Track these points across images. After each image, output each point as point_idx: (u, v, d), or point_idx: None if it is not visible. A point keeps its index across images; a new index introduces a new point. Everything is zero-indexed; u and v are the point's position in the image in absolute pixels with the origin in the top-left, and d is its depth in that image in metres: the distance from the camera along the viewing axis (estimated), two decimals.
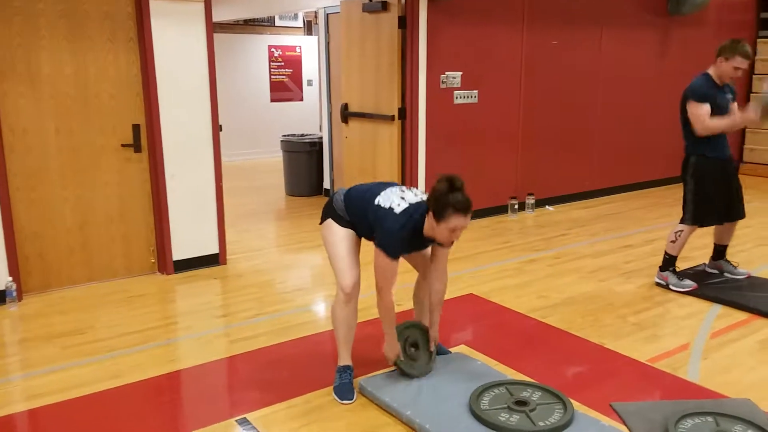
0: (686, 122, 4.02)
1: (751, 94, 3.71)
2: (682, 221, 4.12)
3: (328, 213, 2.87)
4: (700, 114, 3.88)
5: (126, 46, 4.25)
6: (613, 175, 7.24)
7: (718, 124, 3.89)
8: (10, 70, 3.91)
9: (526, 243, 5.37)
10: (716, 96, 3.91)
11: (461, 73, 5.78)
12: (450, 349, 3.25)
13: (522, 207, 6.41)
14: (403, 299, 3.46)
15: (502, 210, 6.30)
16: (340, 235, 2.81)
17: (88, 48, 4.13)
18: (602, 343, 3.40)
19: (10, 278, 3.96)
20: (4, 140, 3.94)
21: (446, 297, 4.05)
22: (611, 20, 6.76)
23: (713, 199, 4.02)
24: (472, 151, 6.00)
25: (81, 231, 4.30)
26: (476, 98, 5.94)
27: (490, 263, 4.82)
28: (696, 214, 4.05)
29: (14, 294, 3.96)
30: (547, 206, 6.63)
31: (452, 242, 2.68)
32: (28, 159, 4.06)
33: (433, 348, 3.01)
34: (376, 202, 2.71)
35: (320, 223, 2.90)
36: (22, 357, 3.34)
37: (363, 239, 2.87)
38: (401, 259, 2.76)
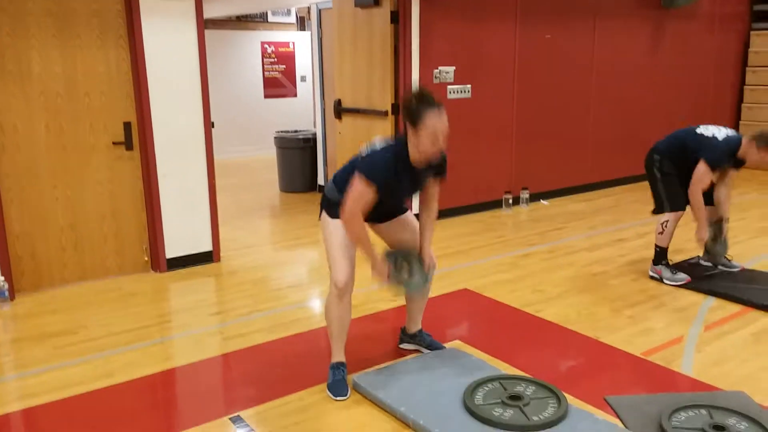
0: (685, 150, 4.05)
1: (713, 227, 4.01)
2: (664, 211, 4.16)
3: (323, 205, 2.87)
4: (704, 180, 3.92)
5: (116, 44, 4.22)
6: (608, 168, 7.24)
7: (696, 208, 3.96)
8: (1, 70, 3.88)
9: (520, 237, 5.37)
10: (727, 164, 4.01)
11: (454, 67, 5.76)
12: (444, 344, 3.24)
13: (517, 201, 6.41)
14: (382, 299, 3.43)
15: (496, 204, 6.30)
16: (336, 228, 2.79)
17: (77, 46, 4.10)
18: (597, 337, 3.40)
19: (2, 278, 3.94)
20: None
21: (441, 292, 4.07)
22: (604, 13, 6.75)
23: (681, 182, 4.08)
24: (466, 145, 5.98)
25: (73, 230, 4.28)
26: (470, 93, 5.93)
27: (485, 258, 4.82)
28: (671, 201, 4.12)
29: (6, 294, 3.94)
30: (541, 200, 6.63)
31: (439, 152, 2.64)
32: (19, 158, 4.03)
33: (428, 266, 2.91)
34: (359, 157, 2.74)
35: (319, 218, 2.89)
36: (14, 357, 3.32)
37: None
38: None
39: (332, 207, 2.79)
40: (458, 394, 2.70)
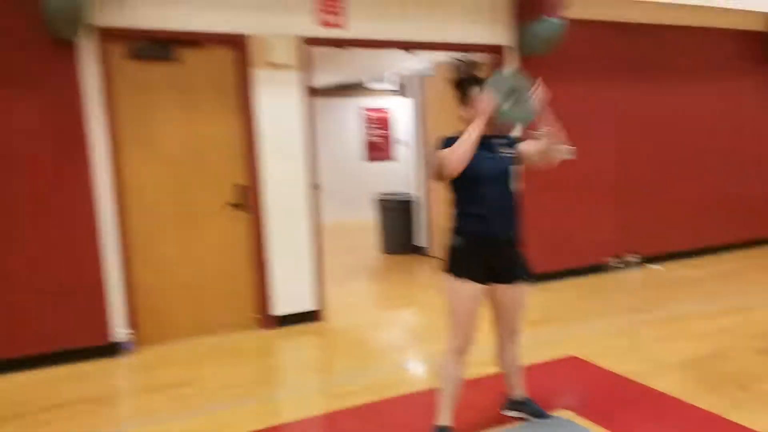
0: None
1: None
2: None
3: (447, 258, 2.84)
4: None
5: (231, 113, 4.55)
6: (725, 232, 6.81)
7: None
8: (131, 138, 4.29)
9: (629, 303, 5.12)
10: None
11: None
12: (551, 414, 3.11)
13: (624, 265, 6.14)
14: (483, 363, 3.34)
15: (602, 269, 6.07)
16: (465, 294, 2.77)
17: (198, 116, 4.46)
18: (719, 413, 3.14)
19: (128, 330, 4.22)
20: (126, 202, 4.29)
21: (546, 359, 3.93)
22: (708, 69, 6.53)
23: None
24: (565, 207, 5.86)
25: (190, 287, 4.54)
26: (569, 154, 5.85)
27: (592, 324, 4.62)
28: None
29: (130, 346, 4.21)
30: (652, 265, 6.31)
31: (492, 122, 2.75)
32: (145, 219, 4.38)
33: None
34: None
35: (443, 274, 2.86)
36: (133, 406, 3.53)
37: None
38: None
39: (453, 257, 2.81)
40: None
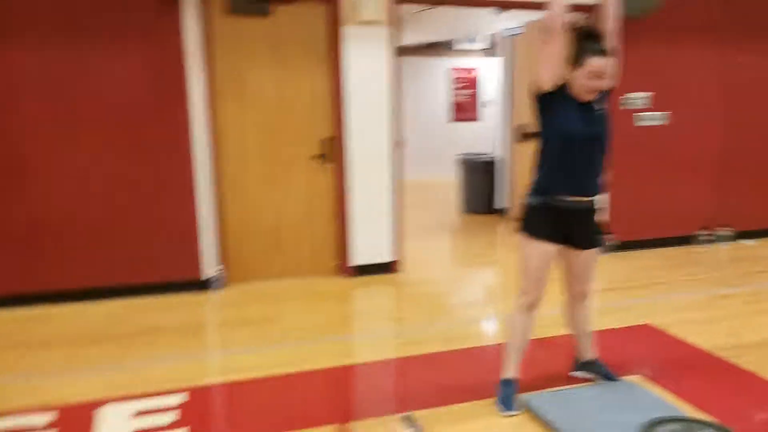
0: None
1: None
2: None
3: (523, 217, 2.86)
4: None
5: (320, 68, 4.67)
6: None
7: None
8: (225, 90, 4.50)
9: (717, 276, 4.92)
10: None
11: (647, 93, 5.49)
12: (620, 377, 3.10)
13: (715, 239, 5.88)
14: (553, 324, 3.35)
15: (688, 240, 5.84)
16: (538, 253, 2.79)
17: (288, 69, 4.61)
18: None
19: (217, 268, 4.53)
20: (218, 150, 4.53)
21: (619, 325, 3.88)
22: None
23: None
24: (655, 176, 5.64)
25: (275, 231, 4.78)
26: (664, 120, 5.60)
27: (672, 294, 4.50)
28: None
29: (218, 283, 4.52)
30: (745, 240, 6.00)
31: (595, 92, 2.64)
32: (236, 166, 4.62)
33: None
34: None
35: (518, 231, 2.88)
36: (218, 336, 3.82)
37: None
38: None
39: (530, 216, 2.81)
40: (635, 429, 2.58)
